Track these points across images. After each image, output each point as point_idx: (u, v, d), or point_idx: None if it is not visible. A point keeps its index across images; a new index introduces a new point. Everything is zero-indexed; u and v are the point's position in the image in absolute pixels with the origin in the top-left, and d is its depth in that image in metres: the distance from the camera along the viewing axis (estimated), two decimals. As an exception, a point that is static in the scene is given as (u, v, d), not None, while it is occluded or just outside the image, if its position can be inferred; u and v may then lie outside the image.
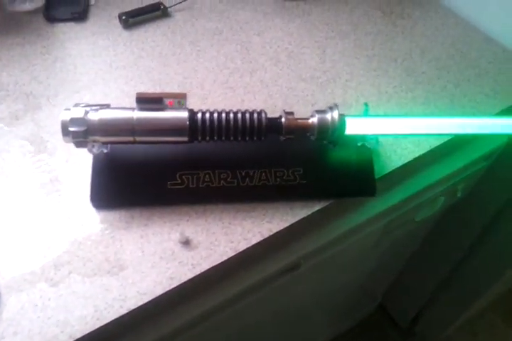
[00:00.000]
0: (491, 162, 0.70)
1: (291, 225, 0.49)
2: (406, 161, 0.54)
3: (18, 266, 0.44)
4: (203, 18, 0.67)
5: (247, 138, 0.46)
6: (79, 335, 0.41)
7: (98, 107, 0.44)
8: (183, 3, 0.68)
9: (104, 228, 0.47)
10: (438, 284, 1.08)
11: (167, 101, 0.45)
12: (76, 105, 0.44)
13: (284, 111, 0.47)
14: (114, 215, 0.48)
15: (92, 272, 0.44)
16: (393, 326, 1.31)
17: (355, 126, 0.48)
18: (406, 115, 0.54)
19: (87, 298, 0.42)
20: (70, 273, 0.44)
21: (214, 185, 0.48)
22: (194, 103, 0.57)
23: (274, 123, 0.46)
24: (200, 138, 0.46)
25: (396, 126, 0.49)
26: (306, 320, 0.98)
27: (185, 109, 0.45)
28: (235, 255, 0.46)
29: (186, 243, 0.46)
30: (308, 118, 0.47)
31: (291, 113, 0.47)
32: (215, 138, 0.46)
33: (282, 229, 0.48)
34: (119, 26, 0.65)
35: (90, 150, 0.45)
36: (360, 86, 0.61)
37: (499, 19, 0.68)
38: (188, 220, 0.48)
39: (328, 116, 0.46)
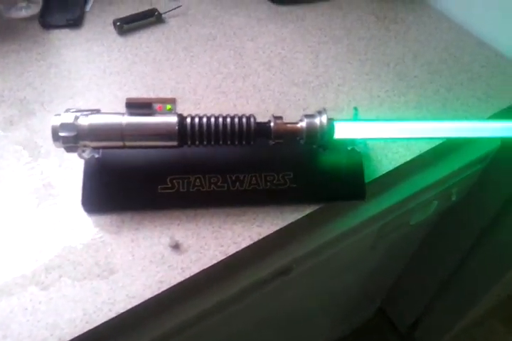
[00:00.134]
0: (486, 165, 0.70)
1: (282, 229, 0.49)
2: (397, 165, 0.54)
3: (10, 270, 0.44)
4: (197, 24, 0.68)
5: (236, 143, 0.47)
6: (68, 338, 0.41)
7: (88, 112, 0.45)
8: (178, 9, 0.69)
9: (95, 232, 0.47)
10: (437, 288, 1.08)
11: (156, 106, 0.45)
12: (66, 110, 0.44)
13: (272, 115, 0.47)
14: (105, 219, 0.48)
15: (83, 276, 0.44)
16: (393, 331, 1.30)
17: (344, 131, 0.48)
18: (395, 119, 0.54)
19: (76, 301, 0.43)
20: (60, 276, 0.44)
21: (204, 190, 0.49)
22: (187, 108, 0.57)
23: (262, 128, 0.47)
24: (189, 142, 0.46)
25: (385, 130, 0.49)
26: (302, 325, 0.98)
27: (175, 113, 0.45)
28: (224, 259, 0.46)
29: (176, 247, 0.46)
30: (297, 123, 0.47)
31: (280, 117, 0.47)
32: (205, 142, 0.46)
33: (272, 233, 0.48)
34: (113, 32, 0.66)
35: (80, 155, 0.46)
36: (353, 90, 0.61)
37: (492, 23, 0.69)
38: (178, 224, 0.48)
39: (317, 120, 0.47)
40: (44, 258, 0.45)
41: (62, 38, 0.65)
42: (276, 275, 0.56)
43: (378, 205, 0.59)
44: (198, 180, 0.49)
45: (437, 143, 0.56)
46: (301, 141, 0.48)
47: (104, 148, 0.47)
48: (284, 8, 0.72)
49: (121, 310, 0.43)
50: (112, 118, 0.44)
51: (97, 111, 0.45)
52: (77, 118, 0.44)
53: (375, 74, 0.63)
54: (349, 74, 0.63)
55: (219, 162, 0.50)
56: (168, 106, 0.44)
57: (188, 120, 0.45)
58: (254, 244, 0.47)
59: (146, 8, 0.68)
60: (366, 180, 0.51)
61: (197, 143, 0.46)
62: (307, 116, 0.47)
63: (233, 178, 0.49)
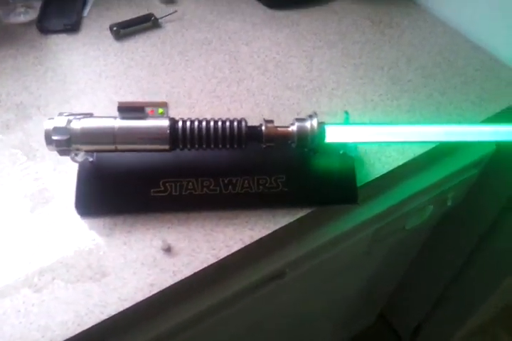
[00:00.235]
0: (481, 170, 0.70)
1: (274, 232, 0.49)
2: (390, 169, 0.54)
3: (3, 273, 0.45)
4: (193, 29, 0.69)
5: (228, 146, 0.47)
6: (59, 340, 0.41)
7: (81, 116, 0.45)
8: (174, 14, 0.69)
9: (88, 235, 0.48)
10: (437, 296, 1.07)
11: (148, 110, 0.46)
12: (60, 114, 0.45)
13: (264, 119, 0.48)
14: (98, 222, 0.48)
15: (75, 278, 0.45)
16: (395, 338, 1.30)
17: (335, 134, 0.48)
18: (386, 123, 0.54)
19: (68, 303, 0.43)
20: (53, 279, 0.45)
21: (197, 193, 0.49)
22: (181, 112, 0.58)
23: (254, 132, 0.47)
24: (181, 146, 0.46)
25: (376, 133, 0.49)
26: (303, 331, 0.98)
27: (167, 117, 0.46)
28: (216, 262, 0.47)
29: (168, 250, 0.47)
30: (288, 127, 0.48)
31: (271, 121, 0.48)
32: (196, 146, 0.47)
33: (264, 236, 0.48)
34: (110, 37, 0.66)
35: (73, 159, 0.46)
36: (346, 94, 0.62)
37: (487, 27, 0.69)
38: (170, 227, 0.48)
39: (308, 124, 0.47)
40: (37, 261, 0.46)
41: (59, 42, 0.65)
42: (269, 279, 0.56)
43: (372, 209, 0.59)
44: (190, 184, 0.49)
45: (430, 147, 0.57)
46: (293, 145, 0.48)
47: (96, 151, 0.48)
48: (279, 13, 0.73)
49: (113, 313, 0.43)
50: (104, 122, 0.45)
51: (90, 115, 0.46)
52: (69, 121, 0.44)
53: (369, 78, 0.64)
54: (343, 78, 0.63)
55: (211, 165, 0.50)
56: (160, 110, 0.45)
57: (180, 124, 0.46)
58: (246, 247, 0.48)
59: (143, 13, 0.69)
60: (358, 184, 0.51)
61: (189, 146, 0.47)
62: (298, 119, 0.48)
63: (226, 182, 0.50)
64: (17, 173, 0.52)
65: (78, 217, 0.48)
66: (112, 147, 0.45)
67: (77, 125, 0.44)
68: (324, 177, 0.51)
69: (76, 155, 0.46)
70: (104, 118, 0.45)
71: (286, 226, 0.49)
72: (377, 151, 0.56)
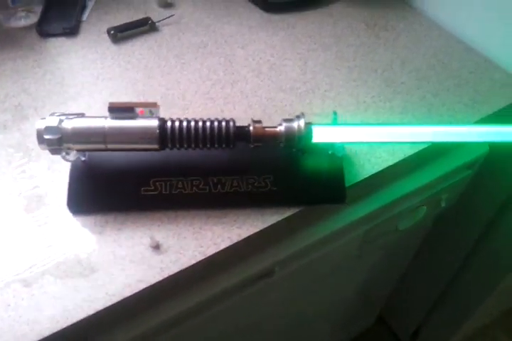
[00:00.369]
0: (476, 172, 0.70)
1: (262, 231, 0.50)
2: (379, 170, 0.55)
3: (-5, 268, 0.46)
4: (190, 32, 0.70)
5: (217, 146, 0.48)
6: (47, 333, 0.42)
7: (73, 116, 0.46)
8: (171, 18, 0.71)
9: (79, 232, 0.49)
10: (435, 298, 1.07)
11: (138, 110, 0.47)
12: (52, 114, 0.46)
13: (252, 119, 0.49)
14: (89, 220, 0.49)
15: (65, 274, 0.46)
16: (394, 340, 1.29)
17: (322, 134, 0.49)
18: (374, 123, 0.55)
19: (57, 298, 0.44)
20: (43, 274, 0.46)
21: (186, 192, 0.50)
22: (175, 113, 0.59)
23: (242, 132, 0.48)
24: (170, 145, 0.47)
25: (363, 134, 0.50)
26: (301, 332, 0.98)
27: (156, 117, 0.47)
28: (203, 259, 0.47)
29: (157, 247, 0.48)
30: (276, 127, 0.49)
31: (259, 121, 0.49)
32: (185, 145, 0.48)
33: (252, 235, 0.49)
34: (108, 40, 0.68)
35: (64, 158, 0.47)
36: (339, 96, 0.62)
37: (482, 30, 0.69)
38: (159, 225, 0.49)
39: (295, 124, 0.48)
40: (29, 256, 0.47)
41: (58, 45, 0.67)
42: (258, 278, 0.56)
43: (361, 209, 0.59)
44: (180, 183, 0.50)
45: (421, 148, 0.57)
46: (281, 145, 0.49)
47: (87, 150, 0.49)
48: (276, 17, 0.74)
49: (101, 308, 0.44)
50: (95, 122, 0.46)
51: (82, 115, 0.47)
52: (61, 121, 0.45)
53: (362, 80, 0.64)
54: (336, 81, 0.64)
55: (201, 165, 0.51)
56: (150, 110, 0.46)
57: (169, 124, 0.47)
58: (234, 245, 0.48)
59: (140, 17, 0.70)
60: (347, 184, 0.52)
61: (178, 146, 0.48)
62: (286, 120, 0.49)
63: (215, 181, 0.50)
64: (12, 172, 0.53)
65: (70, 214, 0.50)
66: (103, 146, 0.46)
67: (69, 124, 0.46)
68: (312, 177, 0.52)
69: (67, 154, 0.47)
70: (94, 118, 0.46)
71: (274, 225, 0.50)
72: (367, 152, 0.56)
